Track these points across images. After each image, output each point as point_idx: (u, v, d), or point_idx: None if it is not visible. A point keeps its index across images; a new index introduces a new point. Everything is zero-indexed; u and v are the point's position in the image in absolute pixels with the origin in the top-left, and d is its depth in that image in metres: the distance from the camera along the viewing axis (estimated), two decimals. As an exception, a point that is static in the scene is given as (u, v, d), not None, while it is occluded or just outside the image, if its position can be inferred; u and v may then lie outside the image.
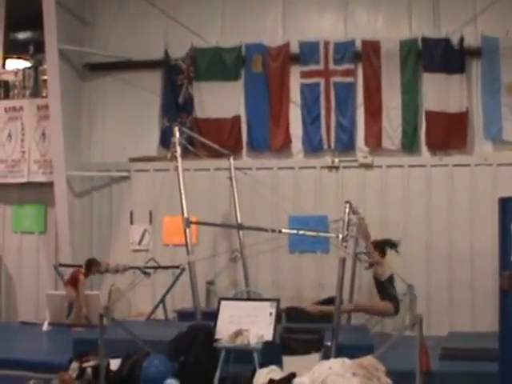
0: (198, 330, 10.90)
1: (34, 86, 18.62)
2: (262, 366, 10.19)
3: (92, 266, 15.56)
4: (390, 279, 13.67)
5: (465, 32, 16.14)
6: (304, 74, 16.83)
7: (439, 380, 10.61)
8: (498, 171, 15.88)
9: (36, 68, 18.59)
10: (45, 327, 15.48)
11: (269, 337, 10.38)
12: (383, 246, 13.86)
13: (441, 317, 15.62)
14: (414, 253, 15.89)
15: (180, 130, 12.54)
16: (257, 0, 17.30)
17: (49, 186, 17.10)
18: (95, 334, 10.66)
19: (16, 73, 18.66)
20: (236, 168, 16.06)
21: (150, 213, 16.90)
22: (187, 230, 11.92)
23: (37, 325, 16.06)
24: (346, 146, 16.53)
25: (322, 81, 16.66)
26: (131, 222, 17.48)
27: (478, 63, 16.24)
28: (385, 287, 13.52)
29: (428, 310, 15.53)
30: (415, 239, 16.00)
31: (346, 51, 16.56)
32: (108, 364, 10.64)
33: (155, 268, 15.47)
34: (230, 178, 15.96)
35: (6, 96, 18.66)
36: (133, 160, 17.63)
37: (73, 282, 15.45)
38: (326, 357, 10.31)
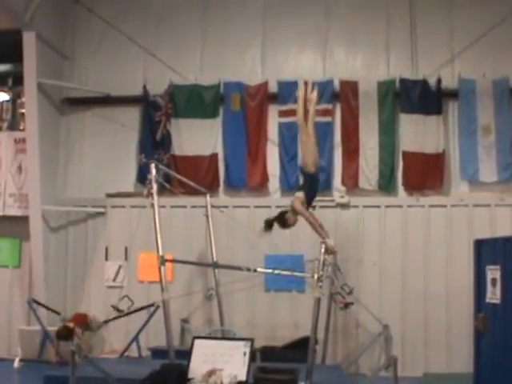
0: (171, 368, 10.75)
1: (12, 119, 18.61)
2: (236, 405, 10.08)
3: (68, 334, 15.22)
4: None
5: (442, 74, 16.33)
6: (282, 113, 16.92)
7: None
8: (474, 212, 15.98)
9: (14, 101, 18.58)
10: (16, 364, 15.28)
11: (242, 377, 10.24)
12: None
13: (416, 357, 15.60)
14: (389, 293, 15.92)
15: (157, 166, 12.45)
16: (236, 38, 17.41)
17: (24, 219, 16.95)
18: (67, 371, 10.49)
19: (-7, 105, 18.65)
20: (212, 206, 15.96)
21: (126, 249, 16.65)
22: (162, 268, 11.82)
23: (8, 361, 15.85)
24: (323, 185, 16.42)
25: (299, 120, 16.73)
26: (106, 258, 17.32)
27: (455, 105, 16.43)
28: None
29: (403, 350, 15.50)
30: (391, 279, 15.99)
31: (324, 91, 16.57)
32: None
33: (130, 313, 15.05)
34: (207, 216, 15.85)
35: (-17, 128, 18.57)
36: (109, 196, 17.54)
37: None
38: (300, 397, 10.23)
